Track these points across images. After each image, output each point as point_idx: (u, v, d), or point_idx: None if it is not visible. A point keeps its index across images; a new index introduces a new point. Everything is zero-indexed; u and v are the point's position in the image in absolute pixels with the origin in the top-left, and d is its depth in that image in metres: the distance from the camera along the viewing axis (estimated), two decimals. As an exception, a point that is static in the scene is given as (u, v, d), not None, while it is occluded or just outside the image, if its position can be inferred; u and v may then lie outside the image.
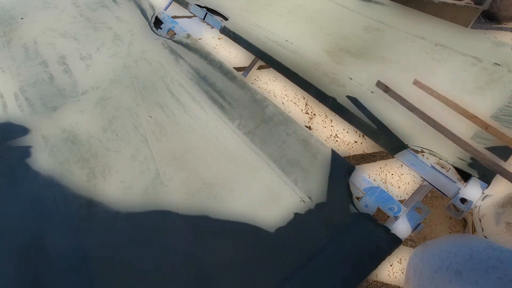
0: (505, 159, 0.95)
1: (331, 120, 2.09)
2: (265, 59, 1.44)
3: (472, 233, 1.46)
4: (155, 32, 1.65)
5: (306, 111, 2.16)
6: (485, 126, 0.93)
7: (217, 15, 1.69)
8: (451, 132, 0.94)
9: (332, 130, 2.04)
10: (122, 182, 1.09)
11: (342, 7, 1.77)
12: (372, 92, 1.26)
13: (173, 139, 1.20)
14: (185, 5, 1.78)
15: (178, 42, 1.57)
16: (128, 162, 1.14)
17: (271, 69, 1.72)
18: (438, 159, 1.02)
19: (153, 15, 1.74)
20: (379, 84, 1.12)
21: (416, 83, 1.10)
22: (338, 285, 0.83)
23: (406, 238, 1.11)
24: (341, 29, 1.63)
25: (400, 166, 1.84)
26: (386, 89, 1.10)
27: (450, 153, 1.02)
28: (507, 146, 0.92)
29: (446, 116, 1.01)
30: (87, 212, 1.02)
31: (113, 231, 0.98)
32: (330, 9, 1.77)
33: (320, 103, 1.26)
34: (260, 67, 2.25)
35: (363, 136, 1.99)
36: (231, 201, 1.02)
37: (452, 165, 1.00)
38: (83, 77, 1.46)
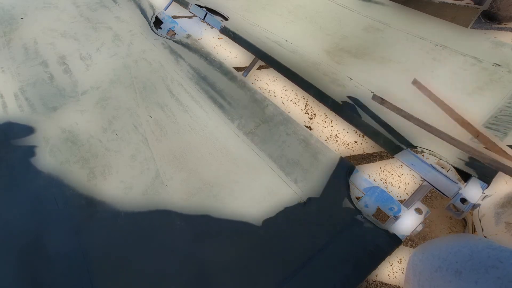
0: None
1: (331, 120, 2.09)
2: (265, 59, 1.44)
3: (472, 233, 1.46)
4: (155, 32, 1.65)
5: (306, 111, 2.16)
6: (476, 133, 0.93)
7: (217, 15, 1.69)
8: (449, 136, 0.94)
9: (332, 130, 2.04)
10: (122, 182, 1.09)
11: (342, 7, 1.77)
12: (372, 92, 1.26)
13: (173, 139, 1.20)
14: (185, 5, 1.78)
15: (178, 42, 1.57)
16: (128, 162, 1.14)
17: (271, 69, 1.72)
18: (438, 159, 1.02)
19: (153, 15, 1.74)
20: (375, 98, 1.12)
21: (415, 83, 1.10)
22: (338, 285, 0.83)
23: (406, 238, 1.11)
24: (341, 29, 1.63)
25: (400, 166, 1.84)
26: (382, 101, 1.10)
27: (450, 153, 1.02)
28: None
29: (443, 120, 1.00)
30: (87, 212, 1.02)
31: (113, 231, 0.98)
32: (330, 9, 1.77)
33: (320, 103, 1.26)
34: (260, 67, 2.25)
35: (363, 136, 1.99)
36: (231, 201, 1.02)
37: (452, 165, 1.00)
38: (83, 77, 1.46)
